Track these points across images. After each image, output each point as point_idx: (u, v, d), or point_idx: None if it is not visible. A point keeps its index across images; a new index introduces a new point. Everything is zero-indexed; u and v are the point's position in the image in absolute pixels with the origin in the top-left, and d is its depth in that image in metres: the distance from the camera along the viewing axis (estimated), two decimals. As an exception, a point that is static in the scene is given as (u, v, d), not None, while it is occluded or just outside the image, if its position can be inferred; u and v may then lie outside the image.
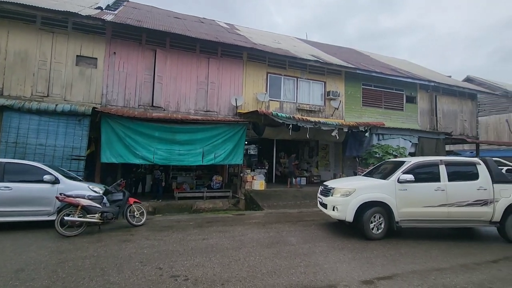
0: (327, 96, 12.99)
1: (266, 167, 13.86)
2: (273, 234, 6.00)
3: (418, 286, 3.68)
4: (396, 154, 10.84)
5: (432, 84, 15.06)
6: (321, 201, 6.41)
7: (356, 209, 5.56)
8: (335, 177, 14.35)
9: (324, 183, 6.73)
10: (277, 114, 9.74)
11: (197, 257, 4.45)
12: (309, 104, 12.73)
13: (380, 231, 5.65)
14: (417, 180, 5.70)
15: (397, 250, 5.13)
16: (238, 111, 11.05)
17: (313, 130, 10.67)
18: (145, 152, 8.82)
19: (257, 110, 9.84)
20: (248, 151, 15.36)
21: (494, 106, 22.91)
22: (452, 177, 5.86)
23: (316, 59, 12.58)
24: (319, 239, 5.65)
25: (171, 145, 9.18)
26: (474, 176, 5.94)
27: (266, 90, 11.83)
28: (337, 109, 13.11)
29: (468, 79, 23.18)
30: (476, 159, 6.23)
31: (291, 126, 9.91)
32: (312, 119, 10.58)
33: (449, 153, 17.66)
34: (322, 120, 10.81)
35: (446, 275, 4.09)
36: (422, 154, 12.50)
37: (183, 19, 14.47)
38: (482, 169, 5.99)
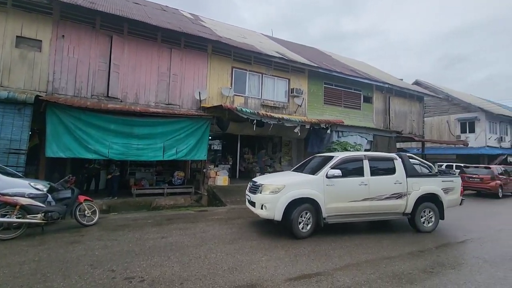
0: (291, 93, 13.24)
1: (230, 163, 13.76)
2: (236, 230, 5.96)
3: (371, 274, 3.92)
4: (353, 150, 11.45)
5: (387, 86, 16.16)
6: (249, 199, 5.96)
7: (285, 207, 5.30)
8: (297, 172, 14.77)
9: (253, 179, 6.31)
10: (241, 109, 9.66)
11: (154, 257, 4.23)
12: (273, 101, 12.86)
13: (308, 228, 5.48)
14: (344, 175, 5.68)
15: (328, 245, 5.14)
16: (202, 105, 10.75)
17: (277, 126, 10.81)
18: (98, 146, 8.16)
19: (221, 105, 9.66)
20: (212, 146, 15.08)
21: (438, 108, 25.40)
22: (374, 171, 6.00)
23: (281, 56, 12.71)
24: (281, 232, 5.74)
25: (129, 139, 8.62)
26: (391, 170, 6.17)
27: (231, 85, 11.67)
28: (300, 106, 13.44)
29: (416, 83, 25.36)
30: (393, 155, 6.53)
31: (255, 121, 9.91)
32: (276, 115, 10.70)
33: (399, 150, 19.19)
34: (285, 116, 10.99)
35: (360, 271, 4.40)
36: (376, 151, 13.38)
37: (143, 5, 13.62)
38: (398, 164, 6.24)
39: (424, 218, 6.26)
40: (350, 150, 11.34)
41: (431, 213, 6.31)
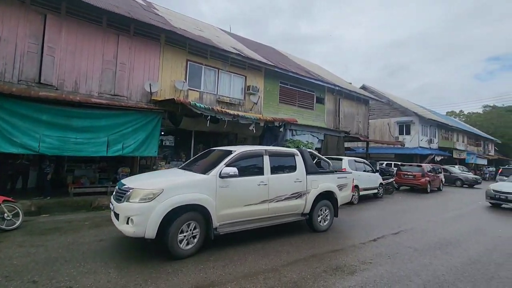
0: (247, 90, 13.21)
1: (183, 160, 13.24)
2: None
3: (316, 268, 4.04)
4: (306, 149, 11.88)
5: (337, 88, 17.12)
6: (113, 208, 4.33)
7: (162, 219, 3.91)
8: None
9: (122, 180, 4.67)
10: (195, 104, 9.31)
11: (88, 263, 3.81)
12: (229, 97, 12.69)
13: (192, 245, 4.23)
14: (241, 174, 4.75)
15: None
16: (152, 98, 10.11)
17: (232, 123, 10.68)
18: (26, 139, 7.13)
19: (174, 99, 9.19)
20: (164, 142, 14.36)
21: (381, 112, 27.80)
22: (274, 169, 5.32)
23: (238, 52, 12.58)
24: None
25: (65, 132, 7.70)
26: (292, 168, 5.66)
27: (186, 79, 11.19)
28: (256, 104, 13.49)
29: (363, 87, 27.36)
30: (294, 150, 6.05)
31: (209, 117, 9.65)
32: (232, 112, 10.56)
33: (347, 149, 20.55)
34: (241, 113, 10.91)
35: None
36: (327, 150, 14.11)
37: (87, -16, 12.29)
38: (299, 161, 5.79)
39: (321, 217, 6.02)
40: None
41: (327, 211, 6.13)
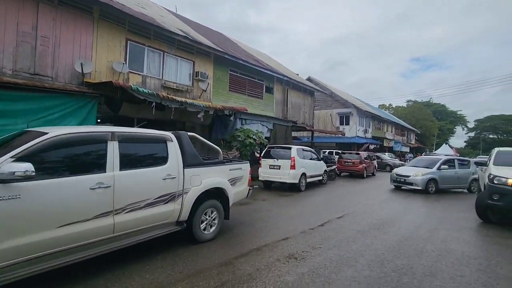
0: (196, 76, 12.55)
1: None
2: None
3: (269, 257, 4.02)
4: (256, 138, 11.91)
5: (286, 78, 17.48)
6: None
7: None
8: (201, 159, 14.36)
9: None
10: (137, 88, 8.44)
11: None
12: (176, 83, 11.90)
13: None
14: (54, 172, 2.97)
15: None
16: (86, 80, 8.86)
17: (180, 111, 10.06)
18: None
19: (111, 81, 8.17)
20: (101, 130, 12.96)
21: (324, 103, 29.49)
22: (127, 162, 3.57)
23: (185, 35, 11.78)
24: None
25: (-34, 117, 6.25)
26: (162, 159, 4.00)
27: (125, 60, 10.06)
28: (205, 91, 12.96)
29: (309, 79, 28.55)
30: (166, 134, 4.22)
31: (154, 104, 8.89)
32: (179, 98, 9.92)
33: (294, 138, 21.38)
34: (189, 100, 10.33)
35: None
36: (275, 139, 14.40)
37: None
38: (173, 149, 4.16)
39: (205, 223, 4.57)
40: (252, 137, 11.73)
41: (215, 213, 4.72)
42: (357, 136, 28.17)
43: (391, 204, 8.61)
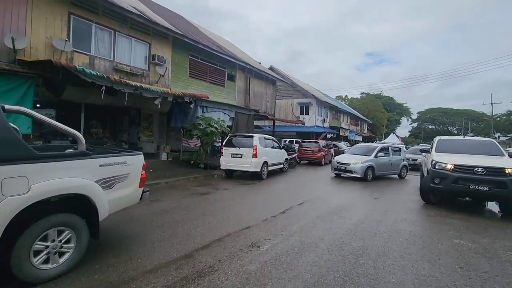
0: (152, 60, 11.72)
1: (70, 138, 10.95)
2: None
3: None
4: (217, 126, 11.62)
5: (248, 66, 17.24)
6: None
7: None
8: (158, 149, 13.67)
9: None
10: (83, 70, 7.57)
11: None
12: (130, 66, 10.98)
13: None
14: None
15: None
16: (18, 57, 7.69)
17: (134, 97, 9.32)
18: None
19: (51, 60, 7.20)
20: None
21: (285, 92, 29.91)
22: None
23: (140, 13, 10.83)
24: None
25: None
26: None
27: (68, 37, 8.94)
28: (163, 76, 12.19)
29: (271, 68, 28.63)
30: None
31: (104, 88, 8.08)
32: (133, 83, 9.18)
33: (256, 127, 21.42)
34: (145, 85, 9.62)
35: (253, 231, 4.66)
36: (237, 128, 14.23)
37: None
38: None
39: (45, 252, 2.87)
40: (214, 126, 11.42)
41: (66, 234, 3.02)
42: (316, 126, 29.24)
43: (347, 189, 9.09)
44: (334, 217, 5.71)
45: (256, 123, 21.29)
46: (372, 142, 34.42)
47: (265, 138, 11.53)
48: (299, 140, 23.55)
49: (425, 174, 7.67)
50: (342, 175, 11.88)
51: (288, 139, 24.30)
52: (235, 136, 11.20)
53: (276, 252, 3.83)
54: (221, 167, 10.80)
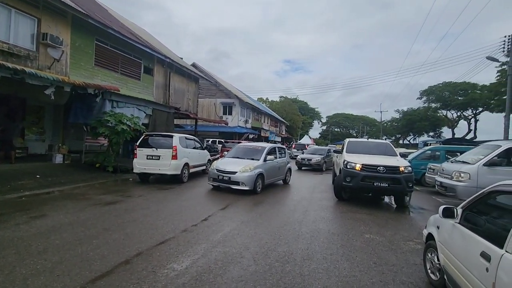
0: (43, 40, 9.46)
1: None
2: None
3: (142, 271, 3.24)
4: (130, 124, 10.23)
5: (168, 60, 15.94)
6: None
7: None
8: (50, 149, 11.21)
9: None
10: None
11: None
12: (8, 43, 8.59)
13: None
14: None
15: None
16: None
17: (14, 83, 7.27)
18: None
19: None
20: None
21: (208, 92, 29.22)
22: None
23: (23, -22, 8.57)
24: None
25: None
26: None
27: None
28: (58, 61, 10.01)
29: (194, 65, 27.49)
30: None
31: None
32: (11, 65, 7.14)
33: (176, 126, 20.11)
34: (29, 70, 7.62)
35: (170, 246, 4.02)
36: (155, 126, 12.94)
37: None
38: None
39: None
40: (126, 123, 10.01)
41: None
42: (239, 126, 29.54)
43: (270, 189, 9.19)
44: (258, 221, 5.54)
45: (176, 121, 19.98)
46: (292, 142, 36.89)
47: (186, 138, 10.74)
48: (222, 140, 23.28)
49: (337, 173, 8.36)
50: (221, 186, 8.44)
51: (211, 139, 23.74)
52: (151, 135, 10.04)
53: (197, 270, 3.33)
54: (134, 171, 9.50)
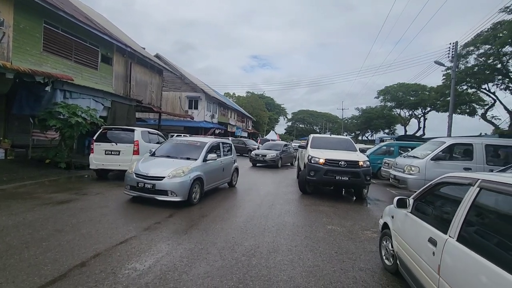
0: (-21, 18, 8.33)
1: None
2: None
3: (100, 273, 3.04)
4: (86, 116, 9.49)
5: (129, 49, 15.03)
6: None
7: None
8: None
9: None
10: None
11: None
12: None
13: None
14: None
15: None
16: None
17: None
18: None
19: None
20: None
21: (173, 85, 28.21)
22: None
23: None
24: None
25: None
26: None
27: None
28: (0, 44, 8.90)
29: (157, 56, 26.27)
30: None
31: None
32: None
33: (138, 120, 19.13)
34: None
35: (131, 246, 3.83)
36: (115, 119, 12.18)
37: None
38: None
39: None
40: (81, 116, 9.27)
41: None
42: (205, 121, 29.02)
43: (239, 184, 9.18)
44: (225, 216, 5.51)
45: (138, 115, 19.04)
46: (258, 137, 37.11)
47: (149, 133, 10.26)
48: (188, 135, 22.67)
49: (302, 168, 8.62)
50: (143, 195, 6.03)
51: (176, 134, 22.98)
52: (110, 129, 9.42)
53: (161, 269, 3.22)
54: (90, 167, 8.86)
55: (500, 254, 1.75)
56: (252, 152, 16.41)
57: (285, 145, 17.84)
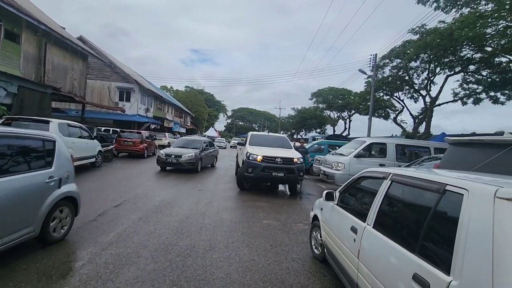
0: None
1: None
2: None
3: None
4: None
5: (43, 27, 12.86)
6: None
7: None
8: None
9: None
10: None
11: None
12: None
13: None
14: None
15: None
16: None
17: None
18: None
19: None
20: None
21: (100, 73, 25.33)
22: None
23: None
24: None
25: None
26: None
27: None
28: None
29: (81, 39, 23.20)
30: None
31: None
32: None
33: (55, 110, 16.63)
34: None
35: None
36: (22, 108, 10.34)
37: None
38: None
39: None
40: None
41: None
42: (139, 115, 26.91)
43: (172, 183, 8.76)
44: (159, 216, 5.20)
45: (56, 105, 16.58)
46: (196, 134, 36.11)
47: (69, 125, 9.01)
48: (118, 129, 20.72)
49: (241, 165, 8.72)
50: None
51: (104, 128, 20.74)
52: (17, 120, 7.94)
53: (81, 278, 2.85)
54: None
55: (404, 236, 2.06)
56: (161, 151, 11.60)
57: (207, 142, 13.59)
